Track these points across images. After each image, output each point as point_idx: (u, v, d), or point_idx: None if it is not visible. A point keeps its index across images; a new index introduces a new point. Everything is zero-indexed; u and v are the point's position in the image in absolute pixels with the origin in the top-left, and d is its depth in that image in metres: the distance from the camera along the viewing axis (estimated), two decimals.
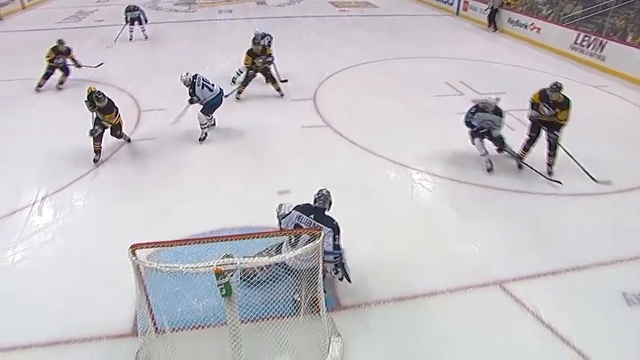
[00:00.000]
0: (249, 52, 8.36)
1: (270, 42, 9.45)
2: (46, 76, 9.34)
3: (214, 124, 7.57)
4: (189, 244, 3.24)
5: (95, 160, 6.57)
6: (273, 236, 3.72)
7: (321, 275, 3.53)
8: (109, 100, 6.34)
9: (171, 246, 3.36)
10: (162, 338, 3.56)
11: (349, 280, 4.14)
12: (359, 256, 4.44)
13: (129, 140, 7.17)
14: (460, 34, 14.61)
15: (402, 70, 10.58)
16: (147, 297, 3.51)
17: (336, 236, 3.84)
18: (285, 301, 3.62)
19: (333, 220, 3.91)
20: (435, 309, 4.17)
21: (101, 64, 10.22)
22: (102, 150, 6.58)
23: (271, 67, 8.75)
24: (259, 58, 8.35)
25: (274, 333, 3.50)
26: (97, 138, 6.48)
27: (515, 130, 7.03)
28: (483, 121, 6.20)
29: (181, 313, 3.53)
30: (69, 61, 9.45)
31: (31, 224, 5.36)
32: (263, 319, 3.57)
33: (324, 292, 3.73)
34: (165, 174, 6.35)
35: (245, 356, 3.26)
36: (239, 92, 8.64)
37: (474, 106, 6.27)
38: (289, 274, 3.64)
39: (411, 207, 5.62)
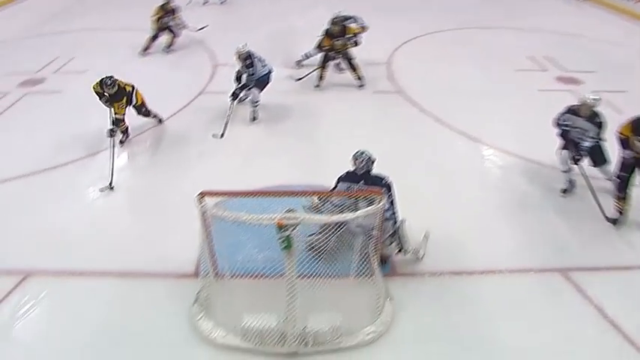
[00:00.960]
0: (327, 33, 7.44)
1: (356, 19, 8.18)
2: (153, 38, 9.13)
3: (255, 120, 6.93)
4: (255, 196, 3.36)
5: (122, 142, 6.19)
6: (336, 196, 3.74)
7: (379, 240, 3.54)
8: (119, 86, 5.78)
9: (238, 196, 3.48)
10: (221, 283, 3.76)
11: (405, 252, 4.12)
12: (420, 225, 4.41)
13: (160, 121, 6.67)
14: (547, 3, 13.44)
15: (481, 41, 9.99)
16: (210, 243, 3.70)
17: (390, 193, 3.81)
18: (343, 263, 3.67)
19: (382, 179, 3.88)
20: (491, 287, 4.10)
21: (206, 26, 9.79)
22: (128, 129, 6.22)
23: (353, 50, 7.64)
24: (338, 40, 7.39)
25: (329, 291, 3.58)
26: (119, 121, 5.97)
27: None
28: (573, 128, 4.95)
29: (241, 262, 3.70)
30: (173, 22, 9.14)
31: (107, 167, 5.73)
32: (319, 277, 3.65)
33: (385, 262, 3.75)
34: (235, 131, 6.50)
35: (298, 309, 3.37)
36: (320, 78, 7.70)
37: (569, 106, 5.06)
38: (351, 238, 3.67)
39: (478, 183, 5.44)
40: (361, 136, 6.12)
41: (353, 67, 7.61)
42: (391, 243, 4.09)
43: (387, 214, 3.81)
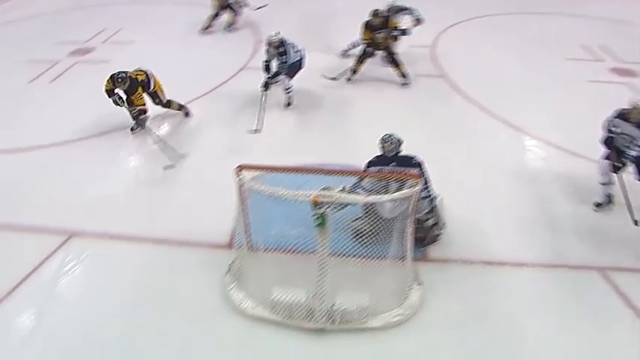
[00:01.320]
0: (367, 25, 6.84)
1: (411, 11, 7.53)
2: (215, 16, 8.94)
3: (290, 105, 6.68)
4: (291, 172, 3.39)
5: (132, 129, 6.02)
6: (373, 177, 3.73)
7: (411, 223, 3.52)
8: (131, 78, 5.62)
9: (274, 171, 3.52)
10: (254, 255, 3.84)
11: (443, 227, 4.08)
12: (456, 212, 4.38)
13: (187, 114, 6.38)
14: None
15: (531, 26, 9.56)
16: (245, 216, 3.78)
17: (422, 171, 3.83)
18: (380, 245, 3.68)
19: (412, 158, 3.87)
20: (523, 280, 4.02)
21: (265, 5, 9.50)
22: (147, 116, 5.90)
23: (396, 44, 7.10)
24: (379, 32, 6.82)
25: (359, 270, 3.61)
26: (129, 103, 5.78)
27: None
28: (619, 135, 4.48)
29: (275, 236, 3.76)
30: (233, 0, 9.00)
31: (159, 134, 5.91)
32: (350, 256, 3.68)
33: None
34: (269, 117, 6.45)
35: (328, 286, 3.42)
36: (353, 72, 7.13)
37: (619, 110, 4.54)
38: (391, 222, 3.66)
39: (518, 174, 5.28)
40: (400, 119, 6.07)
41: (396, 63, 7.06)
42: (427, 220, 4.06)
43: (423, 194, 3.78)
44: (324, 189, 3.11)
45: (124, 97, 5.70)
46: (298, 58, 6.43)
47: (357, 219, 4.00)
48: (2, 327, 3.70)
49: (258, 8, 9.38)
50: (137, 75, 5.70)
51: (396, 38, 6.98)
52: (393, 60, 7.01)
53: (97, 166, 5.45)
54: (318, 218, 3.05)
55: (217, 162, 5.26)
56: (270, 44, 6.29)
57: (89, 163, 5.51)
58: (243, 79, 7.37)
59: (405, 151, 4.08)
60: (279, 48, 6.24)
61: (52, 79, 7.62)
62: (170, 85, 6.95)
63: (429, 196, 4.04)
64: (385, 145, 3.97)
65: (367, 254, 3.68)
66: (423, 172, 3.89)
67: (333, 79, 7.07)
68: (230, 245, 4.16)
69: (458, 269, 4.07)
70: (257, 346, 3.53)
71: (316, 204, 3.02)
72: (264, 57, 6.43)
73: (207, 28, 9.01)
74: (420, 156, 4.04)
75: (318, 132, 6.10)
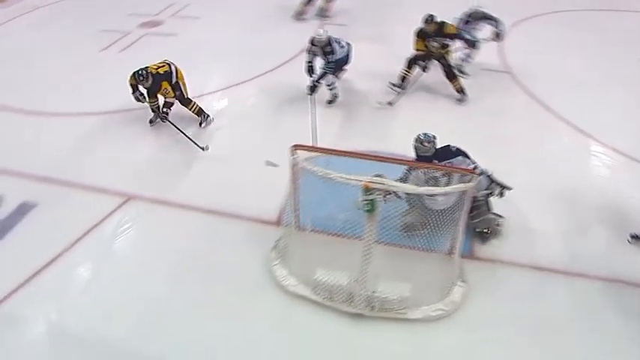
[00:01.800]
0: (419, 34, 6.12)
1: (496, 23, 6.71)
2: (309, 1, 8.59)
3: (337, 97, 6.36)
4: (346, 155, 3.40)
5: (151, 121, 5.86)
6: (429, 168, 3.68)
7: (463, 217, 3.45)
8: (152, 75, 5.38)
9: (329, 154, 3.54)
10: (301, 235, 3.90)
11: (509, 188, 3.97)
12: (511, 213, 4.27)
13: (201, 124, 5.85)
14: None
15: (604, 24, 8.99)
16: (296, 195, 3.84)
17: (465, 154, 3.78)
18: (421, 236, 3.65)
19: (452, 148, 3.79)
20: (573, 289, 3.85)
21: None
22: (160, 107, 5.71)
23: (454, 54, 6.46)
24: (434, 41, 6.10)
25: (403, 260, 3.60)
26: (150, 95, 5.58)
27: None
28: None
29: (323, 218, 3.80)
30: None
31: (210, 109, 6.06)
32: (396, 246, 3.66)
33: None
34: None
35: (370, 272, 3.43)
36: (402, 79, 6.36)
37: None
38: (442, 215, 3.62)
39: (580, 180, 5.02)
40: (463, 113, 5.92)
41: (450, 77, 6.27)
42: (490, 194, 3.97)
43: (478, 170, 3.67)
44: (376, 175, 3.10)
45: (147, 94, 5.52)
46: (345, 54, 6.05)
47: (407, 214, 3.95)
48: (63, 276, 4.00)
49: None
50: (159, 68, 5.46)
51: (446, 47, 6.16)
52: (448, 73, 6.27)
53: (159, 136, 5.69)
54: (367, 204, 3.05)
55: (273, 142, 5.35)
56: (315, 44, 5.86)
57: (151, 131, 5.76)
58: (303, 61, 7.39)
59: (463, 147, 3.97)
60: (326, 47, 5.85)
61: (122, 49, 7.98)
62: (227, 63, 7.13)
63: (484, 171, 3.88)
64: (423, 144, 3.76)
65: (413, 245, 3.65)
66: (468, 156, 3.78)
67: (389, 104, 6.21)
68: (278, 222, 4.25)
69: (505, 271, 3.97)
70: (294, 322, 3.62)
71: (367, 190, 3.02)
72: (306, 57, 6.04)
73: (300, 14, 8.62)
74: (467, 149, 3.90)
75: (361, 130, 5.91)
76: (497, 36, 6.80)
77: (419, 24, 6.10)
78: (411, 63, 6.28)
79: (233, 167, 5.12)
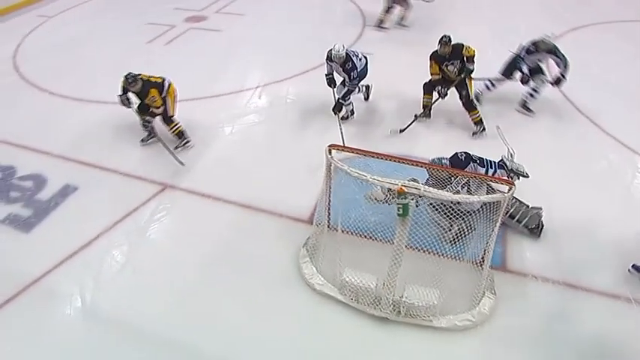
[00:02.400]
0: (434, 57, 5.52)
1: (563, 62, 5.69)
2: (388, 10, 8.30)
3: (368, 88, 6.16)
4: (381, 157, 3.39)
5: (143, 140, 5.55)
6: (463, 176, 3.63)
7: (496, 228, 3.39)
8: (143, 80, 5.13)
9: (364, 156, 3.54)
10: (331, 234, 3.90)
11: (525, 175, 3.95)
12: (550, 228, 4.20)
13: (177, 146, 5.41)
14: None
15: None
16: (329, 195, 3.86)
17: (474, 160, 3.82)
18: (453, 244, 3.61)
19: (460, 156, 3.86)
20: (608, 312, 3.69)
21: None
22: (152, 127, 5.45)
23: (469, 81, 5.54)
24: (450, 65, 5.54)
25: (432, 267, 3.56)
26: (141, 110, 5.32)
27: None
28: None
29: (354, 220, 3.79)
30: None
31: (249, 105, 6.16)
32: (426, 252, 3.63)
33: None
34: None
35: (399, 277, 3.41)
36: (425, 107, 5.79)
37: None
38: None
39: (625, 199, 4.80)
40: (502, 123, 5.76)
41: (468, 107, 5.59)
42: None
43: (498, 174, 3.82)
44: (411, 180, 3.09)
45: (138, 101, 5.26)
46: (363, 66, 5.62)
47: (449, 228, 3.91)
48: (99, 258, 4.16)
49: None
50: (152, 77, 5.26)
51: (469, 72, 5.44)
52: (465, 102, 5.58)
53: (199, 128, 5.80)
54: (400, 208, 3.04)
55: (309, 141, 5.46)
56: (333, 59, 5.45)
57: (192, 123, 5.89)
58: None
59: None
60: (346, 64, 5.44)
61: (168, 42, 8.20)
62: (268, 60, 7.19)
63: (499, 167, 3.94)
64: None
65: (444, 253, 3.61)
66: (476, 160, 3.85)
67: (402, 131, 5.63)
68: (310, 221, 4.28)
69: (537, 286, 3.86)
70: (318, 320, 3.64)
71: (401, 194, 3.01)
72: (325, 70, 5.69)
73: (381, 23, 8.36)
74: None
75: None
76: (558, 81, 5.80)
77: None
78: (429, 88, 5.72)
79: (268, 164, 5.19)
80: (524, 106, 6.05)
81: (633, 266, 3.97)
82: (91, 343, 3.49)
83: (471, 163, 3.82)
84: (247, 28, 8.65)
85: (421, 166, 3.66)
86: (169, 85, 5.30)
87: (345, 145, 4.64)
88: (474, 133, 5.63)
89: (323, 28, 8.60)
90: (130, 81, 5.03)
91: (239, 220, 4.49)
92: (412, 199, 3.05)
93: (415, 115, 5.69)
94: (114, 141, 5.60)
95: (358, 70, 5.47)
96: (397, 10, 8.33)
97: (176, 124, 5.39)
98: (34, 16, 9.47)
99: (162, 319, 3.62)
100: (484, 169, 3.86)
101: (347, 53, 5.41)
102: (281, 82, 6.74)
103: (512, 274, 3.95)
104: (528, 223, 4.15)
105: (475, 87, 5.77)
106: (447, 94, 5.57)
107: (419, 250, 3.64)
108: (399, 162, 3.44)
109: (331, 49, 5.41)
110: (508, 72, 5.95)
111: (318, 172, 3.77)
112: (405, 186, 3.01)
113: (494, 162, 3.96)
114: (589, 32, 8.57)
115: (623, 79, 7.04)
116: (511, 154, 4.02)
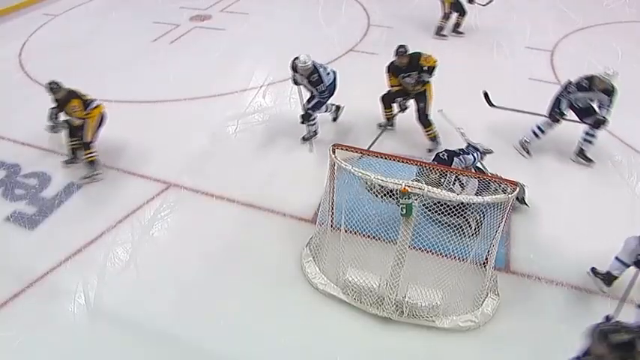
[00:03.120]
0: (391, 68, 5.20)
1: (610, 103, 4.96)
2: (446, 16, 8.02)
3: (339, 108, 5.80)
4: (385, 157, 3.39)
5: (67, 162, 5.17)
6: (467, 176, 3.64)
7: (500, 228, 3.38)
8: (68, 91, 4.85)
9: (368, 155, 3.54)
10: (335, 234, 3.91)
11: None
12: (554, 231, 4.20)
13: (87, 177, 4.97)
14: None
15: None
16: (333, 195, 3.85)
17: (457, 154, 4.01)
18: (456, 244, 3.60)
19: (442, 156, 4.08)
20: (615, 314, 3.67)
21: (490, 1, 8.23)
22: (76, 150, 5.12)
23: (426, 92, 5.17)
24: (407, 77, 5.15)
25: (435, 268, 3.56)
26: (72, 133, 5.03)
27: None
28: None
29: (358, 220, 3.79)
30: None
31: (253, 104, 6.17)
32: (429, 252, 3.62)
33: None
34: None
35: (402, 277, 3.41)
36: (386, 124, 5.60)
37: None
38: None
39: (632, 200, 4.75)
40: (509, 122, 5.75)
41: (424, 121, 5.23)
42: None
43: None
44: (415, 180, 3.08)
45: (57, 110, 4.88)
46: (332, 79, 5.26)
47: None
48: (103, 255, 4.18)
49: (487, 4, 8.19)
50: (83, 95, 4.95)
51: (423, 82, 5.08)
52: (422, 116, 5.20)
53: (198, 127, 5.83)
54: (404, 208, 3.04)
55: (313, 140, 5.47)
56: (299, 71, 5.11)
57: (195, 122, 5.92)
58: (350, 60, 7.39)
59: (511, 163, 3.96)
60: (313, 75, 5.07)
61: (172, 41, 8.21)
62: (273, 59, 7.18)
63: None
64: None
65: (447, 253, 3.60)
66: (458, 153, 4.08)
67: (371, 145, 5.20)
68: (313, 220, 4.28)
69: (540, 288, 3.85)
70: (321, 320, 3.64)
71: (405, 194, 3.01)
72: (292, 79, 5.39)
73: (440, 30, 8.11)
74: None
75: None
76: (599, 124, 4.97)
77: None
78: (388, 102, 5.41)
79: (272, 163, 5.20)
80: (583, 155, 5.15)
81: (592, 269, 3.90)
82: (95, 340, 3.51)
83: (455, 158, 3.94)
84: (252, 27, 8.66)
85: (419, 165, 3.67)
86: (96, 107, 4.95)
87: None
88: (429, 150, 5.26)
89: (327, 27, 8.59)
90: (53, 86, 4.77)
91: (243, 219, 4.51)
92: (416, 200, 3.05)
93: (379, 125, 5.60)
94: (118, 139, 5.61)
95: (326, 83, 5.13)
96: (454, 16, 8.10)
97: (91, 152, 4.98)
98: (40, 14, 9.49)
99: (166, 317, 3.63)
100: (470, 155, 4.10)
101: (314, 65, 5.05)
102: (285, 82, 6.66)
103: (516, 276, 3.94)
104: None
105: (522, 134, 5.29)
106: (406, 107, 5.36)
107: (422, 251, 3.64)
108: (401, 162, 3.45)
109: (296, 59, 5.06)
110: (557, 113, 5.06)
111: (323, 172, 3.77)
112: (408, 186, 3.00)
113: (470, 147, 4.18)
114: (596, 33, 8.50)
115: (630, 80, 6.97)
116: (462, 134, 4.34)
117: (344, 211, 3.74)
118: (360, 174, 3.23)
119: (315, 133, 5.45)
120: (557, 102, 5.06)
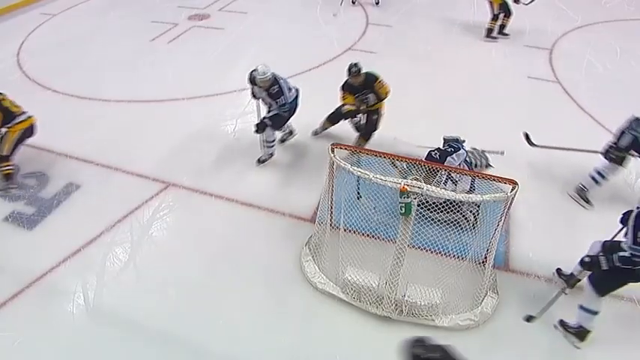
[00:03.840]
0: (346, 87, 5.03)
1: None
2: (495, 18, 7.90)
3: (292, 133, 5.54)
4: (384, 156, 3.39)
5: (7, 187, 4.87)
6: (466, 174, 3.64)
7: (500, 227, 3.38)
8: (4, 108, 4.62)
9: (367, 154, 3.54)
10: (334, 233, 3.90)
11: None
12: (555, 230, 4.20)
13: (9, 188, 4.83)
14: None
15: None
16: (332, 194, 3.85)
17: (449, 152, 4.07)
18: (455, 242, 3.60)
19: (434, 155, 4.06)
20: (613, 314, 3.60)
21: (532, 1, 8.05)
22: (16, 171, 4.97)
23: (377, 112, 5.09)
24: (362, 95, 4.95)
25: (434, 267, 3.56)
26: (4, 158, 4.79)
27: None
28: None
29: (357, 218, 3.80)
30: None
31: (252, 103, 6.12)
32: (428, 251, 3.62)
33: None
34: None
35: (401, 276, 3.41)
36: (321, 129, 5.50)
37: None
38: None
39: (631, 199, 4.74)
40: (509, 121, 5.75)
41: (365, 134, 5.13)
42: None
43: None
44: (414, 179, 3.08)
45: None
46: (295, 95, 4.99)
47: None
48: (102, 255, 4.16)
49: (529, 2, 8.03)
50: (14, 106, 4.70)
51: (367, 103, 4.95)
52: (367, 127, 5.12)
53: (198, 126, 5.81)
54: (403, 207, 3.03)
55: (311, 140, 5.47)
56: (257, 83, 4.75)
57: (191, 120, 5.90)
58: (348, 59, 7.31)
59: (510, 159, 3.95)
60: (272, 87, 4.72)
61: (171, 40, 8.20)
62: (271, 59, 7.12)
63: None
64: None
65: (447, 252, 3.60)
66: (449, 151, 4.11)
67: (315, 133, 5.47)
68: (313, 220, 4.27)
69: (540, 286, 3.84)
70: (320, 319, 3.64)
71: (403, 193, 3.00)
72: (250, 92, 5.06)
73: (490, 34, 8.05)
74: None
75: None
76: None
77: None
78: (335, 119, 5.27)
79: (271, 162, 5.18)
80: (581, 194, 4.60)
81: (557, 270, 3.89)
82: (94, 340, 3.50)
83: (449, 158, 3.97)
84: (250, 27, 8.66)
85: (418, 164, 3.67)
86: (21, 122, 4.69)
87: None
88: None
89: (326, 26, 8.59)
90: None
91: (242, 219, 4.50)
92: (415, 198, 3.05)
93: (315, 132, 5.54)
94: (118, 138, 5.61)
95: (288, 100, 4.80)
96: (501, 17, 7.99)
97: (7, 165, 4.79)
98: (38, 13, 9.48)
99: (165, 317, 3.63)
100: (461, 151, 4.18)
101: (274, 76, 4.72)
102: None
103: (515, 274, 3.94)
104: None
105: (579, 180, 4.67)
106: (359, 123, 5.28)
107: (422, 249, 3.63)
108: (403, 161, 3.46)
109: (254, 71, 4.72)
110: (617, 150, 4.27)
111: (323, 171, 3.77)
112: (407, 185, 3.00)
113: (457, 142, 4.28)
114: (594, 31, 8.52)
115: (629, 77, 7.00)
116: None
117: (343, 210, 3.74)
118: (359, 173, 3.22)
119: (271, 155, 5.15)
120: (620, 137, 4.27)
